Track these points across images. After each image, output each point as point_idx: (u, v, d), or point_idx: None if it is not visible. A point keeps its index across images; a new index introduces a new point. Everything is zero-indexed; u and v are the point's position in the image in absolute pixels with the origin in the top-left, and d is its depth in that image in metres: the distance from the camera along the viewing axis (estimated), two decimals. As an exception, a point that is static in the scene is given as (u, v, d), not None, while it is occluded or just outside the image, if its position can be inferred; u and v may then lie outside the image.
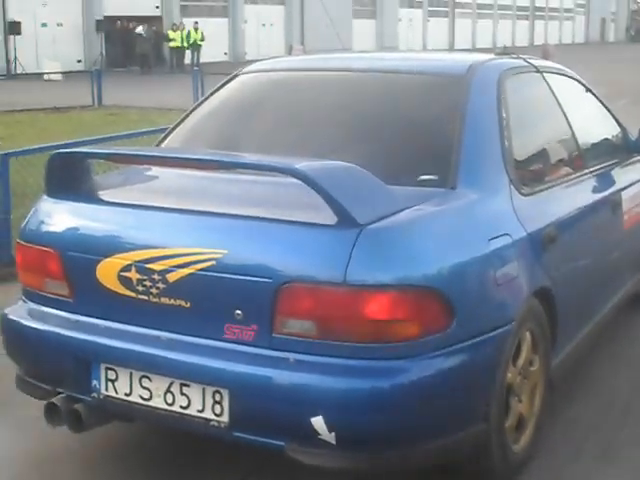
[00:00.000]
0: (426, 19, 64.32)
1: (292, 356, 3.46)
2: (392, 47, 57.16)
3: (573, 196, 4.89)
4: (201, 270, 3.57)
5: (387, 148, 4.34)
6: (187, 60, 39.63)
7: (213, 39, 42.32)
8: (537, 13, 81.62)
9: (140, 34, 39.36)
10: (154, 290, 3.68)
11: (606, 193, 5.32)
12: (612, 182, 5.49)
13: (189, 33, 40.06)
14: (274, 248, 3.55)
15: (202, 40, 39.97)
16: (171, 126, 5.11)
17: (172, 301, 3.67)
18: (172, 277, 3.63)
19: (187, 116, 5.09)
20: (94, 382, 3.87)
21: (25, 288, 4.24)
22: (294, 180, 3.49)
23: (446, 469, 3.99)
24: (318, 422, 3.38)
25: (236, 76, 5.29)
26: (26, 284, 4.23)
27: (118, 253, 3.77)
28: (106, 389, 3.85)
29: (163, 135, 5.10)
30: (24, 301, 4.23)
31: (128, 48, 40.42)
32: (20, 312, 4.19)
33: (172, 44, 40.10)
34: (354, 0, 55.71)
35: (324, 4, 44.69)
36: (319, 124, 4.64)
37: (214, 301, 3.60)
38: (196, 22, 40.79)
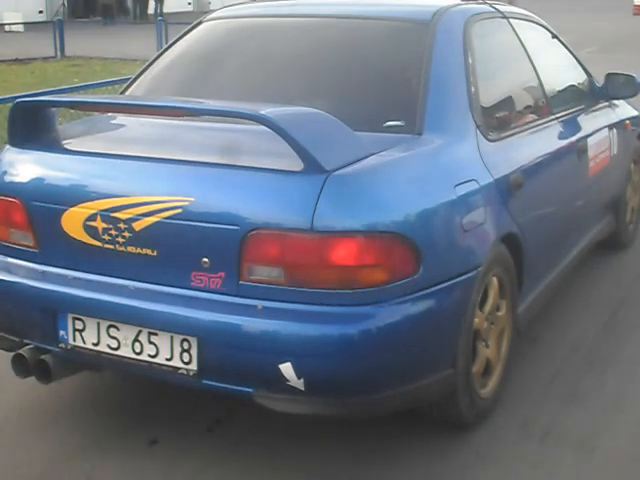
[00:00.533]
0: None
1: (260, 303, 3.43)
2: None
3: (539, 142, 4.90)
4: (167, 218, 3.53)
5: (353, 94, 4.31)
6: (151, 10, 39.16)
7: (177, -11, 41.87)
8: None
9: (102, -15, 38.82)
10: (120, 239, 3.64)
11: (572, 139, 5.35)
12: (578, 128, 5.52)
13: (153, -18, 39.56)
14: (241, 195, 3.51)
15: (166, -11, 39.54)
16: (134, 75, 5.04)
17: (138, 250, 3.63)
18: (138, 226, 3.59)
19: (150, 64, 5.01)
20: (61, 332, 3.83)
21: None
22: (260, 127, 3.45)
23: (415, 414, 4.04)
24: (286, 368, 3.37)
25: (199, 23, 5.23)
26: None
27: (83, 202, 3.72)
28: (74, 339, 3.81)
29: (126, 84, 5.02)
30: None
31: (89, -2, 39.91)
32: None
33: (135, -6, 39.62)
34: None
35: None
36: (285, 71, 4.59)
37: (181, 249, 3.56)
38: (159, -29, 40.30)
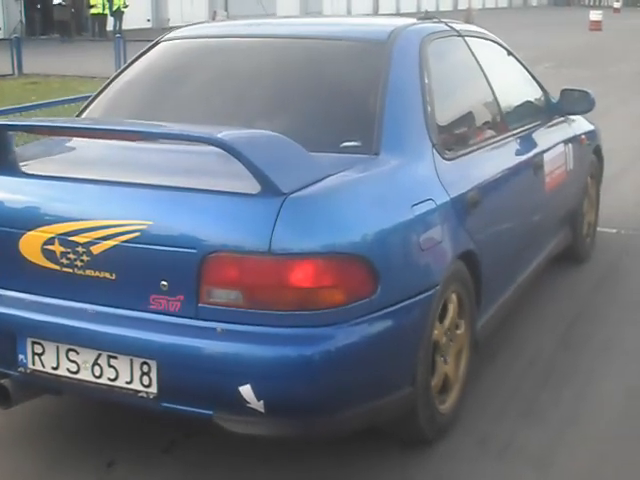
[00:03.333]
0: (350, -16, 64.14)
1: (219, 326, 3.43)
2: (316, 12, 56.94)
3: (496, 159, 4.96)
4: (125, 242, 3.53)
5: (310, 115, 4.36)
6: (109, 27, 39.01)
7: (135, 5, 41.56)
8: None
9: (59, 3, 38.56)
10: (78, 263, 3.63)
11: (528, 155, 5.42)
12: (534, 144, 5.60)
13: (111, -1, 39.37)
14: (199, 218, 3.52)
15: (125, 6, 39.29)
16: (93, 94, 5.04)
17: (97, 273, 3.61)
18: (96, 249, 3.59)
19: (107, 85, 5.04)
20: (20, 356, 3.79)
21: None
22: (217, 150, 3.47)
23: (377, 432, 4.05)
24: (246, 390, 3.37)
25: (157, 43, 5.26)
26: None
27: (41, 226, 3.71)
28: (33, 363, 3.78)
29: (84, 105, 5.04)
30: None
31: (48, 16, 39.63)
32: None
33: (93, 11, 39.31)
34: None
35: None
36: (242, 92, 4.62)
37: (139, 272, 3.56)
38: (118, -12, 40.12)
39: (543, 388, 4.83)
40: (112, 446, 4.22)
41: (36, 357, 3.77)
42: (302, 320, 3.40)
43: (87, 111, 4.92)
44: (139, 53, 5.23)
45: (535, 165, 5.45)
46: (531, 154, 5.46)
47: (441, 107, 4.47)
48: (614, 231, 7.80)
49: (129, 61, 5.26)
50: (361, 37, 4.78)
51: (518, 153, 5.32)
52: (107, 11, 38.57)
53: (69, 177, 3.91)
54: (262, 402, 3.38)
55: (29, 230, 3.73)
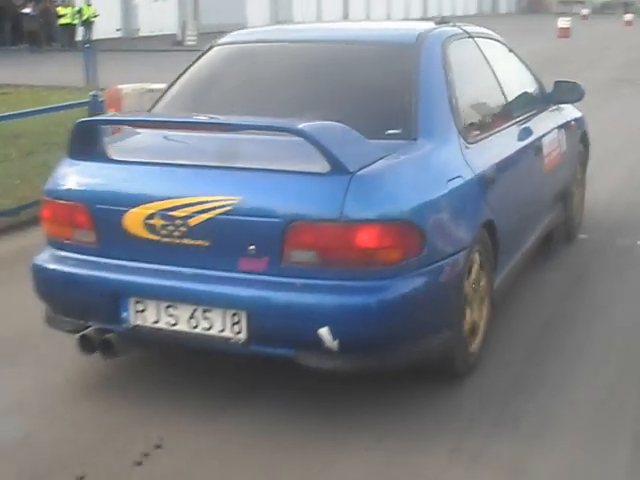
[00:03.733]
0: (320, -8, 64.30)
1: (298, 281, 4.22)
2: (287, 20, 57.05)
3: (505, 143, 5.76)
4: (219, 214, 4.28)
5: (357, 108, 5.06)
6: (79, 37, 38.88)
7: (105, 15, 41.44)
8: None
9: (28, 13, 38.41)
10: (176, 233, 4.38)
11: (530, 139, 6.19)
12: (534, 130, 6.35)
13: (81, 9, 39.21)
14: (281, 194, 4.31)
15: (95, 16, 39.15)
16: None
17: (193, 242, 4.37)
18: (193, 222, 4.33)
19: (170, 87, 5.74)
20: (124, 314, 4.54)
21: (51, 238, 4.87)
22: (288, 138, 4.34)
23: (418, 369, 4.74)
24: (323, 333, 4.16)
25: (211, 48, 5.96)
26: (53, 235, 4.86)
27: (143, 204, 4.44)
28: (135, 319, 4.53)
29: (153, 103, 5.72)
30: (51, 249, 4.86)
31: (17, 26, 39.46)
32: (50, 259, 4.82)
33: (62, 21, 39.21)
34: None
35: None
36: (297, 90, 5.36)
37: (230, 239, 4.32)
38: (88, -3, 39.92)
39: (516, 395, 4.85)
40: (83, 459, 4.21)
41: (138, 314, 4.53)
42: (366, 274, 4.23)
43: (157, 108, 5.59)
44: (196, 57, 5.93)
45: (536, 148, 6.25)
46: (532, 138, 6.23)
47: (462, 99, 5.23)
48: (585, 236, 7.84)
49: (189, 64, 5.88)
50: (393, 40, 5.63)
51: (522, 138, 6.08)
52: (77, 21, 38.40)
53: (166, 162, 4.65)
54: (336, 342, 4.17)
55: (132, 208, 4.47)
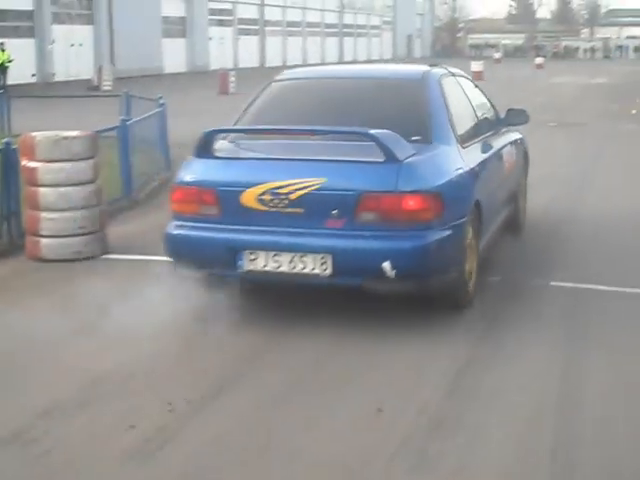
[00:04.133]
0: (236, 37, 64.63)
1: (367, 233, 6.39)
2: (204, 65, 57.12)
3: (481, 150, 7.88)
4: (312, 190, 6.43)
5: (389, 122, 6.91)
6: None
7: (20, 60, 41.01)
8: (345, 30, 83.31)
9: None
10: (280, 205, 6.48)
11: (496, 149, 8.36)
12: (497, 144, 8.53)
13: (-6, 54, 38.75)
14: (354, 176, 6.51)
15: (10, 61, 38.73)
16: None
17: (292, 210, 6.47)
18: (293, 196, 6.45)
19: (245, 112, 7.75)
20: (239, 262, 6.61)
21: (179, 214, 6.93)
22: (351, 142, 6.80)
23: (432, 298, 6.92)
24: (386, 266, 6.27)
25: (270, 84, 8.14)
26: (181, 211, 6.92)
27: (257, 185, 6.53)
28: (248, 266, 6.60)
29: (234, 123, 7.65)
30: (179, 222, 6.90)
31: None
32: (181, 228, 6.88)
33: (-24, 66, 38.67)
34: (163, 19, 55.41)
35: (133, 24, 44.17)
36: (345, 110, 7.47)
37: (319, 207, 6.44)
38: (2, 42, 39.47)
39: (432, 439, 4.88)
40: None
41: (251, 262, 6.58)
42: (410, 227, 6.42)
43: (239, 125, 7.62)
44: (259, 91, 8.06)
45: (499, 156, 8.45)
46: (497, 149, 8.40)
47: (454, 117, 7.42)
48: (497, 278, 7.96)
49: (253, 97, 8.01)
50: (406, 77, 8.26)
51: (491, 148, 8.20)
52: (-10, 66, 37.91)
53: (270, 157, 6.98)
54: (394, 272, 6.28)
55: (248, 188, 6.56)
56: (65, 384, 5.75)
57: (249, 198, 6.51)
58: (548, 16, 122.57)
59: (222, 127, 7.37)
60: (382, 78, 8.31)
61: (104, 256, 8.87)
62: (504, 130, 9.05)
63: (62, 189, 8.72)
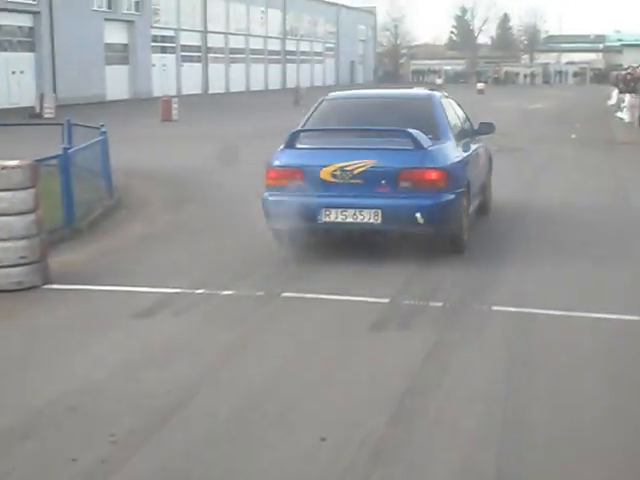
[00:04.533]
0: (179, 64, 64.57)
1: (405, 195, 9.53)
2: (146, 92, 56.94)
3: (467, 147, 11.09)
4: (368, 168, 9.52)
5: (412, 125, 9.98)
6: None
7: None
8: (288, 57, 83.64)
9: None
10: (347, 177, 9.54)
11: (475, 148, 11.63)
12: (474, 145, 11.70)
13: None
14: (395, 157, 9.71)
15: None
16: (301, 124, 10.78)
17: (355, 181, 9.53)
18: (356, 172, 9.52)
19: (307, 121, 10.85)
20: (319, 217, 9.63)
21: (273, 187, 9.92)
22: (391, 138, 9.96)
23: (436, 243, 10.05)
24: (418, 215, 9.39)
25: (322, 101, 11.34)
26: (275, 185, 9.91)
27: (331, 165, 9.59)
28: (324, 218, 9.64)
29: (300, 128, 10.61)
30: (272, 192, 9.92)
31: None
32: (276, 196, 9.86)
33: None
34: (106, 46, 55.21)
35: (75, 51, 43.91)
36: (378, 118, 10.59)
37: (373, 179, 9.52)
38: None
39: (375, 469, 4.88)
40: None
41: (326, 216, 9.60)
42: (432, 192, 9.59)
43: (306, 127, 10.77)
44: (315, 105, 11.27)
45: (477, 154, 11.72)
46: (475, 148, 11.65)
47: (450, 123, 10.83)
48: (440, 304, 8.00)
49: (310, 111, 11.14)
50: (418, 96, 11.92)
51: (472, 147, 11.43)
52: None
53: (338, 147, 10.00)
54: (423, 219, 9.41)
55: (325, 167, 9.61)
56: (4, 417, 5.67)
57: (326, 174, 9.67)
58: (489, 42, 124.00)
59: (303, 128, 10.62)
60: (401, 97, 12.30)
61: (45, 286, 8.76)
62: (478, 138, 12.40)
63: (2, 219, 8.62)
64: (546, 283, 8.91)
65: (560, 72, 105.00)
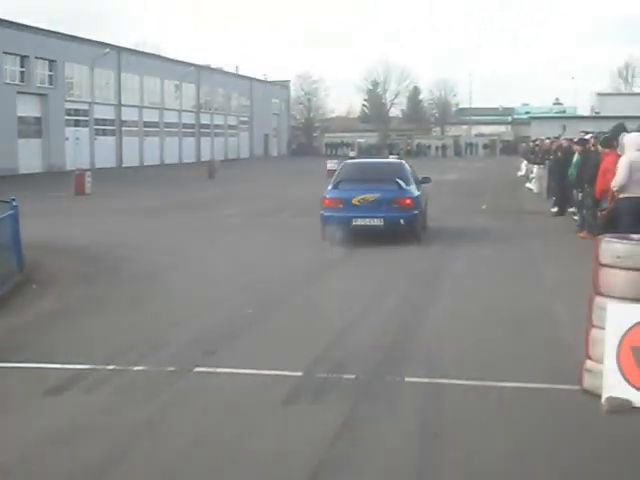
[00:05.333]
0: (93, 137, 64.37)
1: (395, 211, 18.17)
2: (60, 165, 56.58)
3: (420, 189, 19.79)
4: (376, 197, 18.22)
5: (393, 176, 18.98)
6: None
7: None
8: (202, 130, 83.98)
9: None
10: (365, 202, 18.19)
11: (422, 191, 20.57)
12: (421, 189, 19.96)
13: None
14: (389, 192, 18.37)
15: None
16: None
17: (369, 205, 18.18)
18: (370, 200, 18.20)
19: (339, 173, 19.79)
20: (352, 223, 18.08)
21: (326, 208, 18.33)
22: (386, 182, 18.90)
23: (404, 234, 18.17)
24: (402, 221, 18.07)
25: (344, 164, 20.97)
26: (328, 207, 18.32)
27: (357, 197, 18.23)
28: (355, 224, 18.06)
29: (335, 178, 19.79)
30: (327, 211, 18.35)
31: None
32: (329, 212, 18.34)
33: None
34: (19, 119, 54.89)
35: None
36: (377, 173, 20.05)
37: (379, 203, 18.20)
38: None
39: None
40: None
41: (355, 222, 18.13)
42: (408, 209, 18.32)
43: (340, 177, 19.41)
44: (340, 166, 21.15)
45: (424, 192, 20.37)
46: (422, 190, 20.07)
47: (411, 176, 19.95)
48: (353, 376, 8.02)
49: (338, 169, 20.84)
50: (395, 162, 22.52)
51: (421, 189, 20.06)
52: None
53: (361, 188, 18.57)
54: (404, 223, 18.09)
55: (353, 197, 18.26)
56: None
57: (354, 201, 17.81)
58: (400, 115, 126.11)
59: (341, 179, 18.75)
60: (385, 162, 24.06)
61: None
62: (421, 184, 20.30)
63: None
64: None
65: (471, 144, 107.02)
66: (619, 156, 13.03)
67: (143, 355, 8.80)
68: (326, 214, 18.20)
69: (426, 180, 20.95)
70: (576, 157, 20.44)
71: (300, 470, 5.91)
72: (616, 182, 12.65)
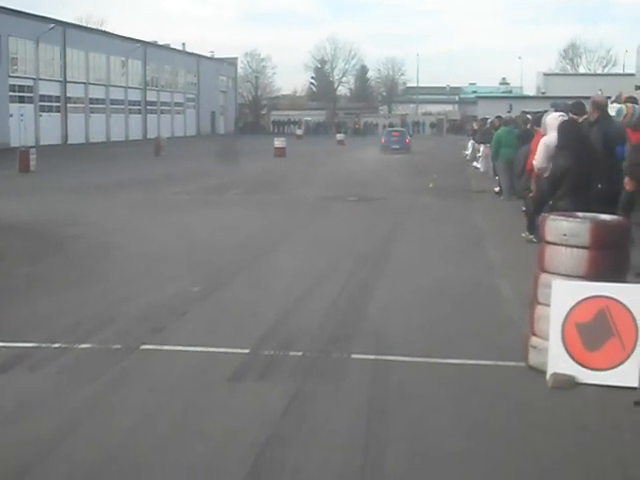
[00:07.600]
0: (38, 114, 63.57)
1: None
2: (4, 142, 55.85)
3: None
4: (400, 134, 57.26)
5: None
6: None
7: None
8: (149, 107, 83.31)
9: None
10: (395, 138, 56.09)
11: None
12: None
13: None
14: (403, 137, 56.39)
15: None
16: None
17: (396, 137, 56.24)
18: (394, 134, 57.23)
19: (383, 131, 60.26)
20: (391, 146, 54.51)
21: (383, 138, 56.28)
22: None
23: None
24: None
25: (385, 128, 62.13)
26: (382, 141, 55.44)
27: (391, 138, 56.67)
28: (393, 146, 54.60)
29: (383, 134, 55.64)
30: (385, 137, 55.82)
31: None
32: (385, 138, 55.81)
33: None
34: (-40, 95, 54.09)
35: None
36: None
37: (401, 137, 56.07)
38: None
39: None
40: None
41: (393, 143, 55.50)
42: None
43: None
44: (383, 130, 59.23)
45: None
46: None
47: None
48: (300, 354, 8.03)
49: (382, 130, 60.05)
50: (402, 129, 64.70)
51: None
52: None
53: (392, 136, 57.04)
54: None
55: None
56: None
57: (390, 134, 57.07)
58: (348, 93, 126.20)
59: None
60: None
61: None
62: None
63: None
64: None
65: (417, 123, 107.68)
66: (542, 136, 12.96)
67: (89, 333, 8.72)
68: (385, 138, 49.41)
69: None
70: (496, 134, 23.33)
71: (248, 447, 5.90)
72: (536, 163, 12.56)
